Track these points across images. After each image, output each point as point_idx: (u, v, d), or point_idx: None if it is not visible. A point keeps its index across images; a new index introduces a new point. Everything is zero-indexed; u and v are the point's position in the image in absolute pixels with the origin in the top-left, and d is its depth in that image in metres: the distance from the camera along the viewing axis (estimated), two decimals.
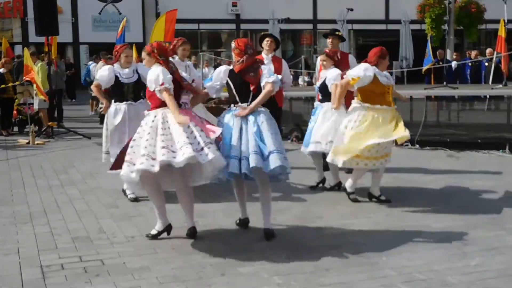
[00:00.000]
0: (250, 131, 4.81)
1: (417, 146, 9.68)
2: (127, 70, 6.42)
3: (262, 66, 5.05)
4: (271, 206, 5.04)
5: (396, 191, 6.52)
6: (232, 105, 5.04)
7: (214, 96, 5.46)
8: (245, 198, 5.27)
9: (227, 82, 5.09)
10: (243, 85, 5.00)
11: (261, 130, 4.82)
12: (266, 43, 7.49)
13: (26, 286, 3.99)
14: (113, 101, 6.47)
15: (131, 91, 6.42)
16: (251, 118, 4.88)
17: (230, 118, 4.96)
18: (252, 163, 4.65)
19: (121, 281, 4.03)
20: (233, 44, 5.24)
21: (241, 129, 4.86)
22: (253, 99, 4.94)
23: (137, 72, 6.46)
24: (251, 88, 4.97)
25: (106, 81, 6.40)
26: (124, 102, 6.37)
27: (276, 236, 4.93)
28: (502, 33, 14.73)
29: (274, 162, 4.68)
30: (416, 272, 4.12)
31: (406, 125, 6.67)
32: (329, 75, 6.66)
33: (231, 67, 5.13)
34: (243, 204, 5.27)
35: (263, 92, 4.92)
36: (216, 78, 5.17)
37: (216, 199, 6.21)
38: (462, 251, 4.56)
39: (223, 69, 5.17)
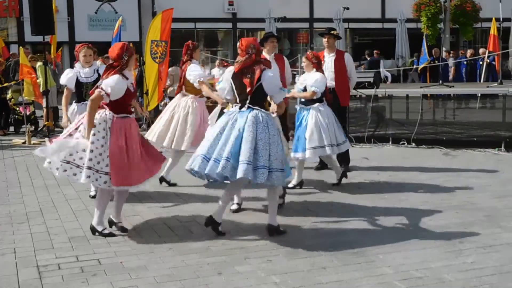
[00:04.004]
0: (232, 135, 4.76)
1: (413, 144, 9.68)
2: (87, 69, 6.46)
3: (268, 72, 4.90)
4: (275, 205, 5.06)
5: (392, 189, 6.53)
6: (234, 105, 5.02)
7: (227, 98, 5.22)
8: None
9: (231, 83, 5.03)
10: (241, 86, 4.93)
11: (243, 136, 4.72)
12: (271, 44, 7.47)
13: (23, 286, 3.98)
14: (73, 101, 6.55)
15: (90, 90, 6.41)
16: (240, 121, 4.81)
17: (224, 117, 4.95)
18: (219, 169, 4.65)
19: (118, 280, 4.03)
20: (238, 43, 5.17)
21: (224, 129, 4.83)
22: (251, 102, 4.87)
23: (97, 72, 6.46)
24: (247, 90, 4.88)
25: (68, 82, 6.46)
26: (82, 102, 6.38)
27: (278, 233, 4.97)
28: (493, 31, 14.79)
29: (239, 172, 4.61)
30: (413, 270, 4.14)
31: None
32: (309, 79, 6.67)
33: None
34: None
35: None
36: (224, 79, 5.13)
37: (214, 198, 6.20)
38: (458, 249, 4.57)
39: (229, 69, 5.11)
